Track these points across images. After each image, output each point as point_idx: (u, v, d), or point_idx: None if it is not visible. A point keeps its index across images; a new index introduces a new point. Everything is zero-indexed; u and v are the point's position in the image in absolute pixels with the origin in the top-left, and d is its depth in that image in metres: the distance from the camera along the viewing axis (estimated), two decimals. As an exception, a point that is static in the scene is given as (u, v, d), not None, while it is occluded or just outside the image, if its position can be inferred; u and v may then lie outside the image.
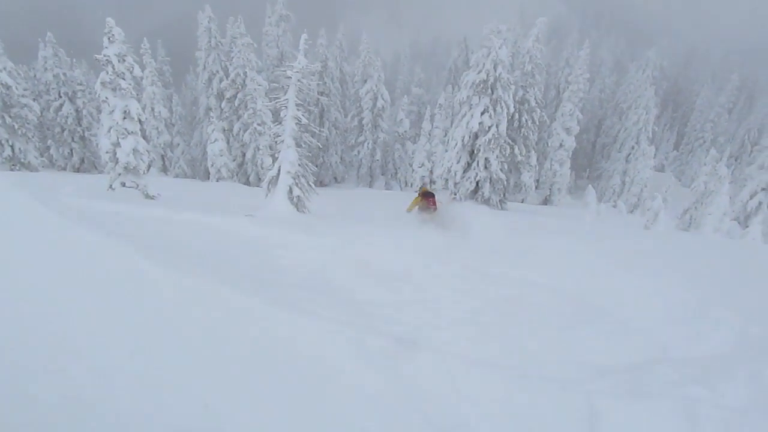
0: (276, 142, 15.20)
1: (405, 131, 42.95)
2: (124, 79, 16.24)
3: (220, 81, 35.84)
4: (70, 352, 3.71)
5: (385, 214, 16.60)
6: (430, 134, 39.43)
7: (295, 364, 4.26)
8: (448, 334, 5.65)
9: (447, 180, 25.35)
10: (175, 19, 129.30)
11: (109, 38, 15.92)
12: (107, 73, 15.99)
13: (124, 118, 16.40)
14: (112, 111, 16.24)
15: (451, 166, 24.84)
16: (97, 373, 3.64)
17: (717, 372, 4.74)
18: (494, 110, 23.51)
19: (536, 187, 42.15)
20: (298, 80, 14.67)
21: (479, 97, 23.55)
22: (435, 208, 14.80)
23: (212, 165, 32.73)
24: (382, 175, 45.01)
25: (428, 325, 5.90)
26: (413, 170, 39.96)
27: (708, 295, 7.25)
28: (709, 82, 69.26)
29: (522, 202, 38.77)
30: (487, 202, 24.83)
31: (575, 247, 10.48)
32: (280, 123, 14.93)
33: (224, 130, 34.95)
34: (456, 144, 24.41)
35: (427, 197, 14.81)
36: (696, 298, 7.08)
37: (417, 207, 15.00)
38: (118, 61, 16.06)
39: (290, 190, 14.65)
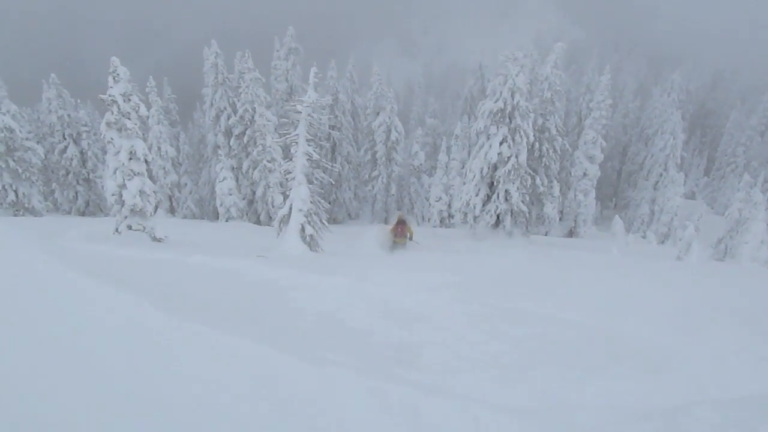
0: (287, 179, 15.37)
1: (420, 164, 43.25)
2: (129, 118, 16.58)
3: (228, 118, 36.46)
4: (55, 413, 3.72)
5: (401, 251, 16.60)
6: (446, 166, 39.66)
7: (314, 422, 4.22)
8: (471, 378, 5.58)
9: (466, 214, 25.35)
10: (181, 55, 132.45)
11: (113, 77, 16.32)
12: (112, 113, 16.34)
13: (130, 158, 16.69)
14: (118, 152, 16.55)
15: (469, 199, 24.86)
16: None
17: (763, 414, 4.62)
18: (513, 140, 23.61)
19: (560, 219, 41.92)
20: (309, 114, 14.89)
21: (497, 127, 23.70)
22: (402, 235, 18.88)
23: (221, 204, 33.08)
24: (398, 210, 45.17)
25: (449, 369, 5.84)
26: (430, 204, 40.09)
27: (751, 330, 7.11)
28: (739, 104, 69.14)
29: (546, 234, 38.52)
30: (508, 236, 24.75)
31: (603, 281, 10.38)
32: (291, 159, 15.12)
33: (233, 168, 35.42)
34: (474, 176, 24.48)
35: (398, 225, 18.97)
36: (736, 335, 6.95)
37: (391, 233, 18.92)
38: (124, 101, 16.43)
39: (302, 229, 14.75)
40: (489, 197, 24.94)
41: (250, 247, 16.04)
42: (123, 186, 16.77)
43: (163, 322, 4.98)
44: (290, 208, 14.97)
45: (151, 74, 38.96)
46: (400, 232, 18.92)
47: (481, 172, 24.19)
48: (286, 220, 15.18)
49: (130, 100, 16.59)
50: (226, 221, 32.80)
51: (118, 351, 4.44)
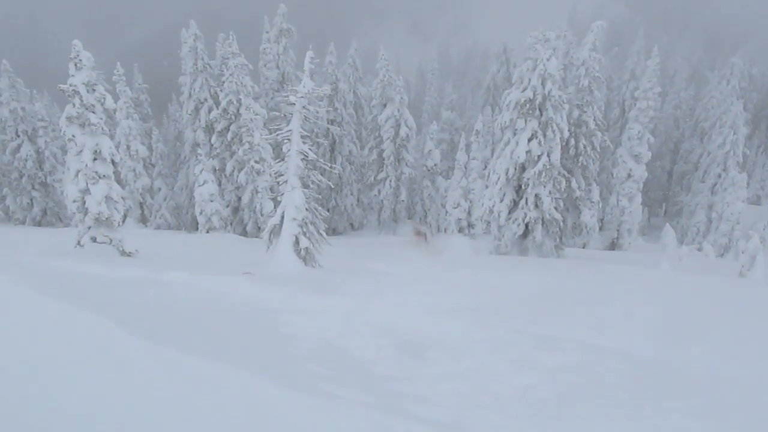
0: (278, 182, 15.43)
1: (435, 165, 43.30)
2: (94, 112, 16.67)
3: (209, 111, 36.65)
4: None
5: (415, 269, 16.59)
6: (466, 167, 39.68)
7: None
8: (495, 416, 5.58)
9: (489, 223, 25.36)
10: (155, 38, 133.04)
11: (75, 64, 16.43)
12: (74, 105, 16.44)
13: (95, 159, 16.77)
14: (81, 151, 16.63)
15: (493, 206, 24.88)
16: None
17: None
18: (544, 135, 23.63)
19: (600, 229, 41.85)
20: (304, 107, 14.98)
21: (525, 120, 23.74)
22: (425, 245, 20.86)
23: (201, 213, 33.18)
24: (409, 219, 45.16)
25: (470, 405, 5.84)
26: (447, 212, 40.06)
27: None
28: (812, 92, 68.89)
29: (583, 247, 38.47)
30: (539, 248, 24.73)
31: (652, 302, 10.36)
32: (283, 159, 15.20)
33: (215, 169, 35.56)
34: (498, 178, 24.50)
35: (418, 235, 21.72)
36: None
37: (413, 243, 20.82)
38: (87, 91, 16.52)
39: (297, 241, 14.81)
40: (516, 203, 24.93)
41: (235, 263, 16.08)
42: (86, 191, 16.86)
43: (134, 347, 5.02)
44: (282, 217, 15.03)
45: (120, 60, 39.15)
46: (420, 241, 21.58)
47: (507, 173, 24.21)
48: (277, 230, 15.25)
49: (94, 90, 16.70)
50: (207, 232, 32.89)
51: (81, 380, 4.47)
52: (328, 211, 40.36)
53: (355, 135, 43.28)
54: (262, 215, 33.25)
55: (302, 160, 14.97)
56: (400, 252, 22.22)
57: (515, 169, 24.14)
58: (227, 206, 35.19)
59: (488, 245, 26.41)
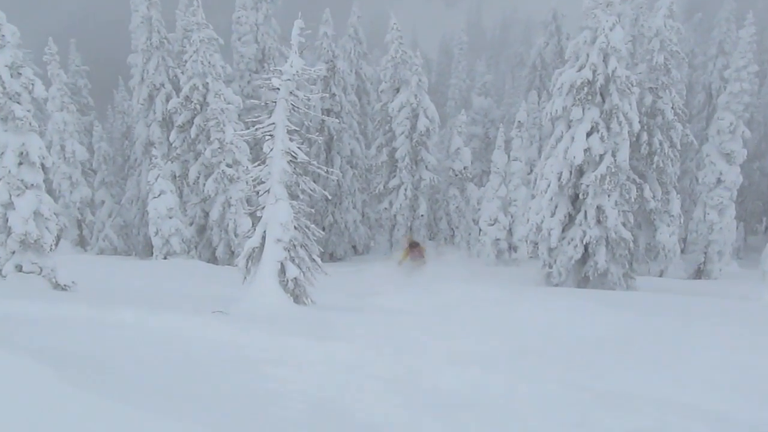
0: (257, 192, 15.47)
1: (465, 168, 43.26)
2: (19, 102, 16.74)
3: (167, 99, 36.90)
4: None
5: (435, 303, 16.61)
6: (505, 171, 39.63)
7: None
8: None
9: (536, 245, 25.34)
10: (97, 7, 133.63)
11: (-4, 41, 16.51)
12: (-6, 94, 16.50)
13: (20, 163, 16.81)
14: (2, 153, 16.66)
15: (541, 222, 24.85)
16: None
17: None
18: (608, 128, 23.65)
19: (682, 251, 41.58)
20: (291, 93, 15.03)
21: (583, 109, 23.76)
22: (421, 256, 22.60)
23: (157, 233, 33.23)
24: (431, 239, 45.09)
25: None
26: (480, 231, 39.92)
27: None
28: None
29: (660, 275, 38.14)
30: (602, 277, 24.65)
31: (750, 347, 10.30)
32: (264, 162, 15.24)
33: (175, 176, 35.70)
34: (549, 185, 24.50)
35: (413, 248, 22.75)
36: None
37: (407, 259, 22.42)
38: (11, 76, 16.60)
39: (282, 270, 14.83)
40: (572, 218, 24.92)
41: (202, 298, 16.09)
42: (9, 205, 16.83)
43: (71, 401, 5.03)
44: (263, 238, 15.02)
45: (52, 35, 39.24)
46: (418, 254, 22.54)
47: (560, 179, 24.21)
48: (256, 256, 15.24)
49: (20, 74, 16.77)
50: (165, 258, 32.93)
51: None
52: (323, 229, 40.26)
53: (358, 129, 43.49)
54: (236, 236, 33.31)
55: (289, 162, 15.00)
56: (401, 276, 22.53)
57: (570, 173, 24.14)
58: (191, 224, 35.29)
59: (536, 274, 26.36)
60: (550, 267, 25.15)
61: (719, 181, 39.63)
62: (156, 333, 10.45)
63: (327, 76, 40.81)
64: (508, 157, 39.96)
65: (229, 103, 33.30)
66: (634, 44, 37.47)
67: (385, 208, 42.94)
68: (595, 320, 13.30)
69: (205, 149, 33.97)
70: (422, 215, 42.56)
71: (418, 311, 15.10)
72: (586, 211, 24.13)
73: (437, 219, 45.00)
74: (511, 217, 39.15)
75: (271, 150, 14.95)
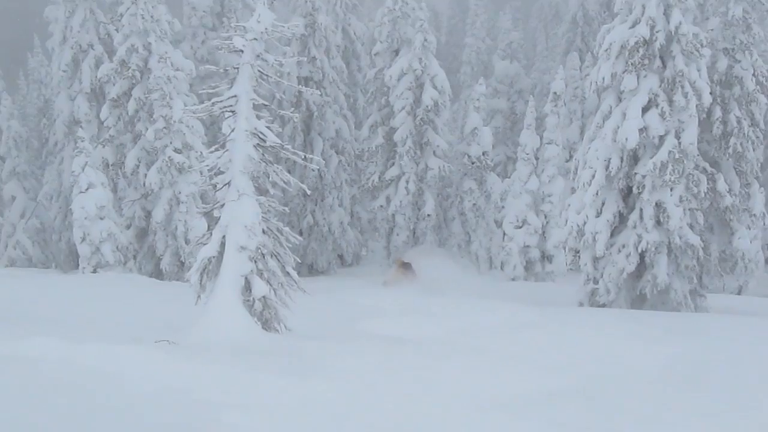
0: (214, 185, 15.41)
1: (484, 154, 43.12)
2: None
3: (97, 65, 36.77)
4: None
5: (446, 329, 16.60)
6: (536, 157, 39.60)
7: None
8: None
9: (577, 253, 25.28)
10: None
11: None
12: None
13: None
14: None
15: (584, 224, 24.79)
16: None
17: None
18: (670, 102, 23.61)
19: (767, 261, 41.56)
20: (258, 56, 14.98)
21: (637, 76, 23.73)
22: (415, 276, 23.85)
23: (84, 239, 33.15)
24: (439, 246, 45.01)
25: None
26: (505, 235, 39.87)
27: None
28: None
29: (739, 293, 38.17)
30: (663, 295, 24.61)
31: None
32: (223, 146, 15.18)
33: (107, 164, 35.61)
34: (593, 176, 24.45)
35: (405, 268, 24.67)
36: None
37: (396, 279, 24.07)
38: None
39: (248, 286, 14.75)
40: (623, 218, 24.90)
41: (143, 324, 16.04)
42: None
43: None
44: (222, 245, 14.97)
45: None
46: (409, 275, 24.63)
47: (608, 167, 24.17)
48: (213, 268, 15.16)
49: None
50: (95, 272, 32.88)
51: None
52: (300, 234, 40.16)
53: (346, 104, 43.43)
54: (187, 242, 33.23)
55: (256, 146, 14.94)
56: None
57: (621, 159, 24.12)
58: (128, 227, 35.24)
59: (577, 292, 26.32)
60: (596, 282, 25.10)
61: (815, 170, 39.73)
62: (81, 369, 10.32)
63: (305, 35, 40.76)
64: (541, 139, 39.97)
65: (177, 70, 33.22)
66: (705, -7, 37.42)
67: (381, 206, 42.81)
68: (655, 352, 13.32)
69: (147, 130, 33.88)
70: (429, 215, 42.40)
71: (424, 340, 15.04)
72: (641, 210, 24.10)
73: (448, 220, 44.93)
74: (545, 217, 39.19)
75: (233, 131, 14.88)
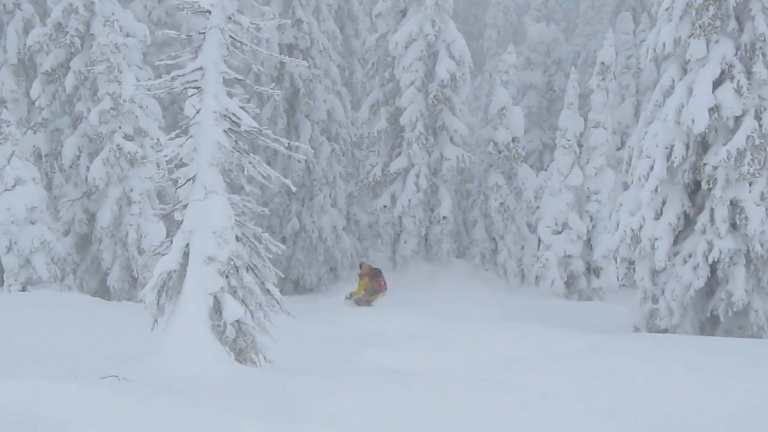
0: (175, 181, 15.38)
1: (515, 140, 43.09)
2: None
3: (26, 29, 36.80)
4: None
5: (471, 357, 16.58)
6: (579, 144, 39.61)
7: None
8: None
9: (632, 264, 25.24)
10: None
11: None
12: None
13: None
14: None
15: (639, 228, 24.77)
16: None
17: None
18: (748, 74, 23.59)
19: None
20: (229, 18, 14.96)
21: (706, 42, 23.70)
22: (382, 289, 25.39)
23: (10, 248, 33.12)
24: (458, 256, 45.03)
25: None
26: (541, 242, 39.87)
27: None
28: None
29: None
30: (741, 317, 24.54)
31: None
32: (186, 132, 15.14)
33: (40, 155, 35.61)
34: (651, 167, 24.41)
35: (376, 277, 25.53)
36: None
37: (364, 292, 25.34)
38: None
39: (217, 307, 14.72)
40: (689, 221, 24.87)
41: (85, 355, 15.97)
42: None
43: None
44: (185, 256, 14.94)
45: None
46: (382, 285, 25.77)
47: (670, 157, 24.15)
48: (175, 285, 15.12)
49: None
50: (24, 290, 32.89)
51: None
52: (283, 241, 40.08)
53: (340, 78, 43.43)
54: (140, 252, 33.19)
55: (228, 132, 14.92)
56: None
57: (687, 147, 24.08)
58: (66, 234, 35.21)
59: (633, 313, 26.27)
60: (655, 301, 25.06)
61: None
62: (5, 414, 10.27)
63: (288, -7, 40.86)
64: (585, 121, 39.95)
65: (127, 36, 33.23)
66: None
67: (385, 207, 42.77)
68: (731, 391, 13.31)
69: (89, 111, 33.87)
70: (445, 218, 42.33)
71: (441, 375, 14.99)
72: (712, 210, 24.06)
73: (469, 224, 44.94)
74: (591, 220, 39.16)
75: (198, 112, 14.84)
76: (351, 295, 25.74)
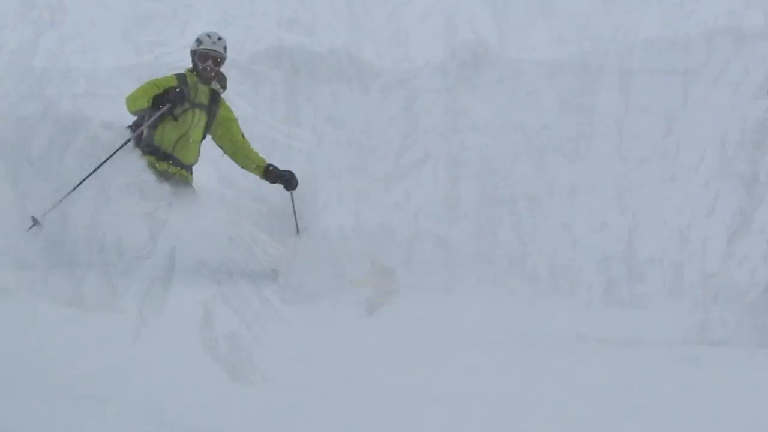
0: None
1: (543, 127, 43.05)
2: None
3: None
4: None
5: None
6: (620, 131, 39.66)
7: None
8: None
9: (680, 268, 25.24)
10: None
11: None
12: None
13: None
14: None
15: (689, 226, 24.78)
16: None
17: None
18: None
19: None
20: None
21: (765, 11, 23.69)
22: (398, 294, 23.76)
23: None
24: (483, 260, 45.03)
25: None
26: (576, 243, 39.92)
27: None
28: None
29: None
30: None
31: None
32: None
33: (7, 145, 35.77)
34: (702, 156, 24.41)
35: (387, 280, 24.12)
36: None
37: (376, 296, 23.09)
38: None
39: (207, 318, 14.75)
40: (747, 218, 24.86)
41: (56, 373, 15.92)
42: None
43: None
44: (171, 259, 14.99)
45: None
46: (394, 289, 24.42)
47: (723, 144, 24.13)
48: (158, 293, 15.19)
49: None
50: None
51: None
52: (283, 242, 39.90)
53: (347, 57, 43.57)
54: (119, 256, 33.19)
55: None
56: None
57: (743, 132, 24.05)
58: (35, 234, 35.29)
59: (682, 322, 26.24)
60: (707, 309, 25.05)
61: None
62: None
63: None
64: (625, 105, 39.94)
65: (104, 10, 33.36)
66: None
67: (397, 204, 42.76)
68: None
69: (62, 95, 34.02)
70: (466, 215, 42.34)
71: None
72: (774, 205, 24.08)
73: (495, 225, 44.96)
74: (633, 216, 39.14)
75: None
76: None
